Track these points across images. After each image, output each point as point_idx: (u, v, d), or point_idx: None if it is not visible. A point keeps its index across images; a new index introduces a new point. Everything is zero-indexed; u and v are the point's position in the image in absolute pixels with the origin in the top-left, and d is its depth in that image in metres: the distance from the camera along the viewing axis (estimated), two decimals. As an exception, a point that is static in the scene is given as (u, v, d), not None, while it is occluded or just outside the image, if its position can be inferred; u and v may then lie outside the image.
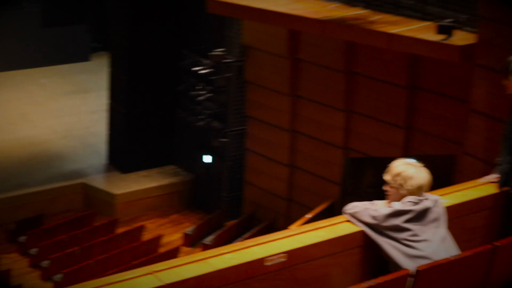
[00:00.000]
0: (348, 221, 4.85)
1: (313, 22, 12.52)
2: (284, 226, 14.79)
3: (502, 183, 5.47)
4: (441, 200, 4.87)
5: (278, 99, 15.09)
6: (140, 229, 16.19)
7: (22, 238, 15.61)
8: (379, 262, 4.76)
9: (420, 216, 4.66)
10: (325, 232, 4.71)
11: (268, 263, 4.39)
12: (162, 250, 15.60)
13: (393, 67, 13.09)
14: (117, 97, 18.48)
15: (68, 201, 17.58)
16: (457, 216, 5.17)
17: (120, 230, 16.27)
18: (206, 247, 15.67)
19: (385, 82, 13.26)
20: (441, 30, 10.99)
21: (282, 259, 4.43)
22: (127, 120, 18.13)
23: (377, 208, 4.74)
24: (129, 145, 18.22)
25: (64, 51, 24.34)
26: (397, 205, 4.69)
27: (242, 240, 14.88)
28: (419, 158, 14.53)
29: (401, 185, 4.72)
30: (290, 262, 4.47)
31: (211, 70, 16.31)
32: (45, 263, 14.65)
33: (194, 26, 17.58)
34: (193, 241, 16.20)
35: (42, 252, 14.97)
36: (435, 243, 4.63)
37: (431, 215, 4.70)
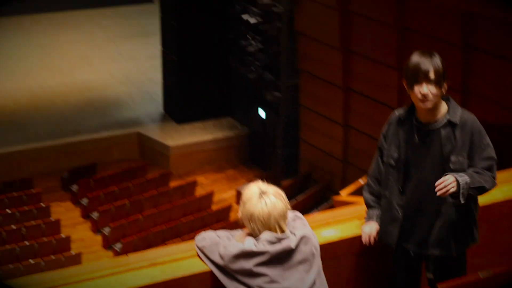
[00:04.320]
0: (198, 255, 4.17)
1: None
2: (340, 189, 14.95)
3: (384, 237, 4.56)
4: (313, 236, 4.06)
5: (330, 53, 14.91)
6: (194, 184, 16.48)
7: (75, 187, 16.23)
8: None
9: (279, 258, 3.91)
10: (160, 272, 4.08)
11: None
12: (214, 207, 15.86)
13: (447, 24, 12.64)
14: (168, 44, 18.74)
15: (123, 150, 18.11)
16: (347, 253, 4.45)
17: (174, 183, 16.61)
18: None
19: (439, 40, 12.88)
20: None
21: None
22: (180, 68, 18.33)
23: (227, 245, 3.99)
24: (183, 94, 18.45)
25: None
26: (250, 244, 3.94)
27: (295, 201, 15.17)
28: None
29: (248, 221, 3.97)
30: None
31: (260, 19, 16.25)
32: (95, 214, 15.25)
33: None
34: (246, 199, 16.43)
35: (92, 203, 15.50)
36: None
37: (296, 256, 3.94)
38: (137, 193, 15.80)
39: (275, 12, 16.00)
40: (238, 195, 16.29)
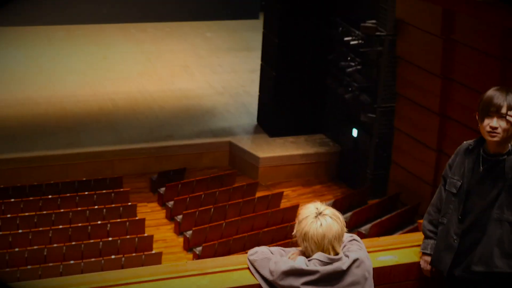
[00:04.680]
0: (248, 268, 4.14)
1: (464, 2, 12.19)
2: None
3: (437, 263, 4.49)
4: (367, 260, 3.99)
5: (429, 80, 14.90)
6: (280, 195, 16.49)
7: (162, 190, 16.46)
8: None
9: (329, 279, 3.83)
10: (208, 281, 4.05)
11: None
12: (298, 219, 15.84)
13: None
14: (268, 59, 18.98)
15: (214, 158, 18.31)
16: (404, 279, 4.39)
17: (260, 194, 16.65)
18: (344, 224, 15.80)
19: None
20: None
21: None
22: (277, 83, 18.57)
23: (278, 261, 3.95)
24: (277, 109, 18.61)
25: (233, 7, 25.20)
26: (301, 262, 3.89)
27: (380, 221, 15.04)
28: None
29: (302, 240, 3.91)
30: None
31: (362, 41, 16.37)
32: (179, 217, 15.40)
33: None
34: (331, 215, 16.33)
35: (177, 206, 15.67)
36: None
37: (347, 278, 3.86)
38: (223, 200, 15.92)
39: (377, 36, 16.01)
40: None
